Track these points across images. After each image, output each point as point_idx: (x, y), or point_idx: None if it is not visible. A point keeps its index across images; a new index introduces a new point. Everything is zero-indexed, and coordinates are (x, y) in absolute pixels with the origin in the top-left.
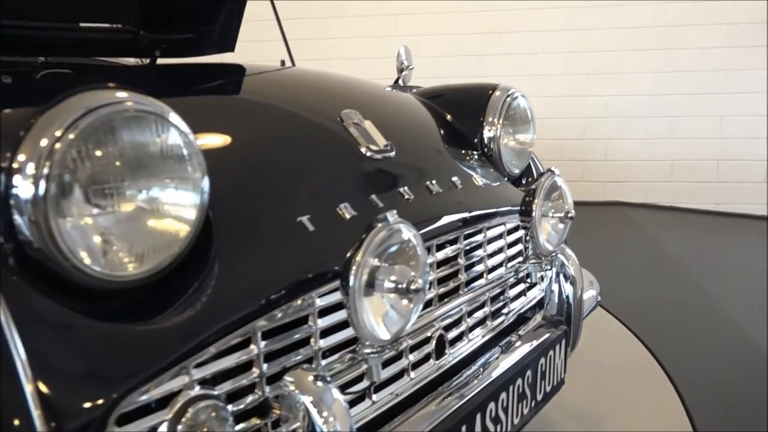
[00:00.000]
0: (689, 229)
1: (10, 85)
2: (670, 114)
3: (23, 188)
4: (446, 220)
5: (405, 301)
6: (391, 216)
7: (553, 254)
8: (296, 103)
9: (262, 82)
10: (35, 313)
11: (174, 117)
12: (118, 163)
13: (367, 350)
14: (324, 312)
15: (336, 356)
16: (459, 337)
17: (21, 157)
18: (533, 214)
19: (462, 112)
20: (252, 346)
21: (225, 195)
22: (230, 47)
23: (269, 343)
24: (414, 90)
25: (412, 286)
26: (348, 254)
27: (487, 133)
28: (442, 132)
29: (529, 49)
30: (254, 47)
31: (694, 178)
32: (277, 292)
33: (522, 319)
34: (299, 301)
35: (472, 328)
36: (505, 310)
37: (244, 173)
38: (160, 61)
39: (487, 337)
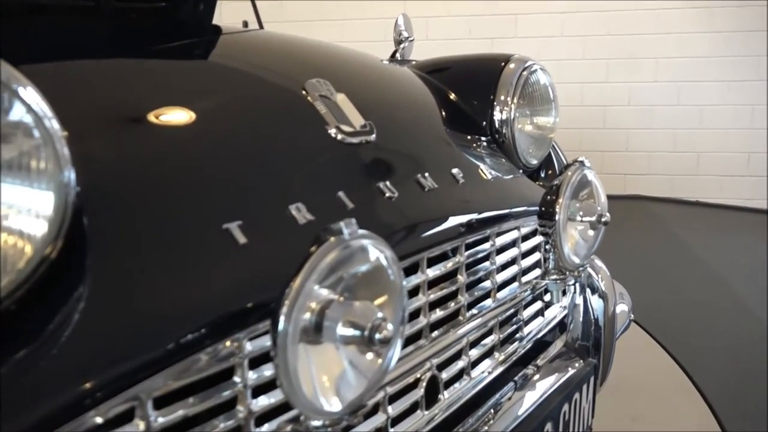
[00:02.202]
0: (716, 225)
1: None
2: (698, 102)
3: None
4: (443, 225)
5: (369, 355)
6: (348, 227)
7: (580, 268)
8: (246, 70)
9: (207, 44)
10: None
11: (27, 90)
12: None
13: (315, 423)
14: (257, 360)
15: (271, 427)
16: (458, 376)
17: None
18: (556, 217)
19: (468, 88)
20: (139, 422)
21: (116, 191)
22: (207, 19)
23: (169, 410)
24: (413, 63)
25: (378, 335)
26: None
27: (499, 115)
28: (442, 113)
29: (547, 32)
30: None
31: (722, 172)
32: (184, 335)
33: (539, 342)
34: (219, 347)
35: (475, 363)
36: (518, 335)
37: (153, 161)
38: None
39: (495, 373)
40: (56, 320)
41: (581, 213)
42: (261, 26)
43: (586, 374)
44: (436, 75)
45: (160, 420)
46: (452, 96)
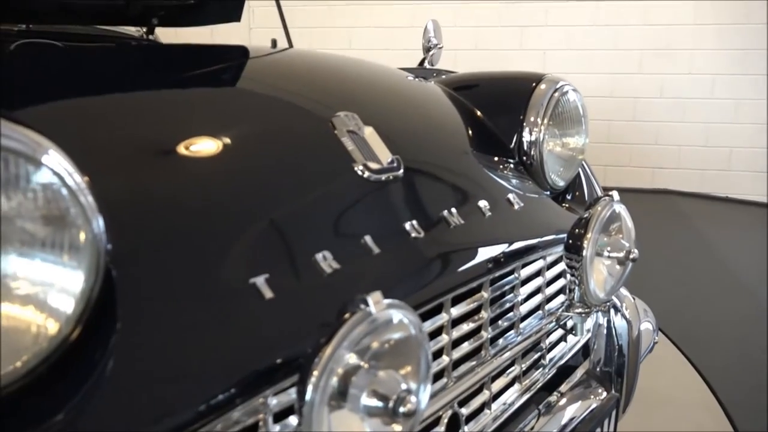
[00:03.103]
0: (746, 224)
1: None
2: (732, 96)
3: None
4: (468, 264)
5: (392, 425)
6: (374, 301)
7: (606, 303)
8: (274, 105)
9: (234, 74)
10: None
11: (53, 158)
12: None
13: None
14: (282, 414)
15: None
16: (479, 409)
17: None
18: (584, 252)
19: (497, 108)
20: None
21: (143, 243)
22: (236, 17)
23: None
24: (442, 76)
25: (403, 408)
26: (308, 354)
27: (528, 137)
28: (470, 134)
29: (578, 20)
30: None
31: (755, 168)
32: (213, 396)
33: (563, 367)
34: (247, 406)
35: (497, 395)
36: (541, 362)
37: (179, 210)
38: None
39: (517, 405)
40: (86, 385)
41: (609, 248)
42: (290, 44)
43: (608, 409)
44: (463, 92)
45: None
46: (479, 114)
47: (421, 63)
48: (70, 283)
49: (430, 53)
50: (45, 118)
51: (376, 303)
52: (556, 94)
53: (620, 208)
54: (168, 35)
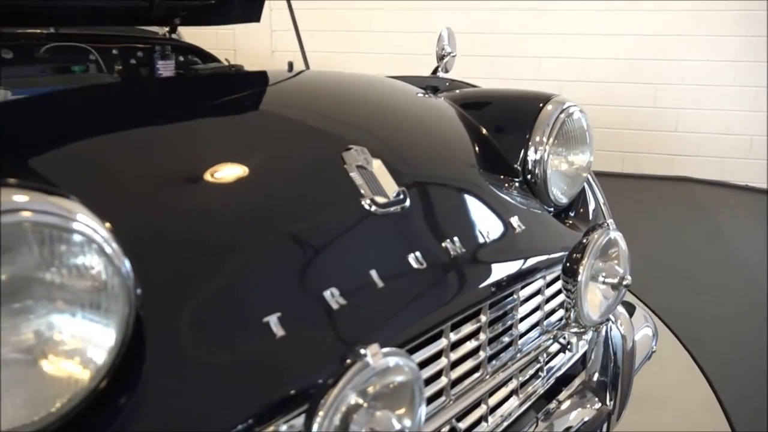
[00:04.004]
0: (764, 214)
1: (10, 60)
2: (754, 83)
3: None
4: (468, 292)
5: None
6: (372, 353)
7: (600, 324)
8: (287, 138)
9: (252, 105)
10: None
11: (98, 233)
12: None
13: None
14: None
15: None
16: (477, 422)
17: None
18: (579, 277)
19: (504, 126)
20: None
21: (164, 285)
22: (255, 17)
23: None
24: (455, 92)
25: None
26: (314, 393)
27: (533, 155)
28: (476, 155)
29: (597, 5)
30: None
31: None
32: (230, 427)
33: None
34: None
35: (494, 408)
36: (539, 374)
37: (196, 250)
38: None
39: (514, 416)
40: (123, 413)
41: (604, 274)
42: (307, 65)
43: (600, 422)
44: (472, 110)
45: None
46: (486, 133)
47: (435, 71)
48: (103, 338)
49: (444, 61)
50: (69, 163)
51: (373, 354)
52: (562, 115)
53: (616, 236)
54: (190, 34)
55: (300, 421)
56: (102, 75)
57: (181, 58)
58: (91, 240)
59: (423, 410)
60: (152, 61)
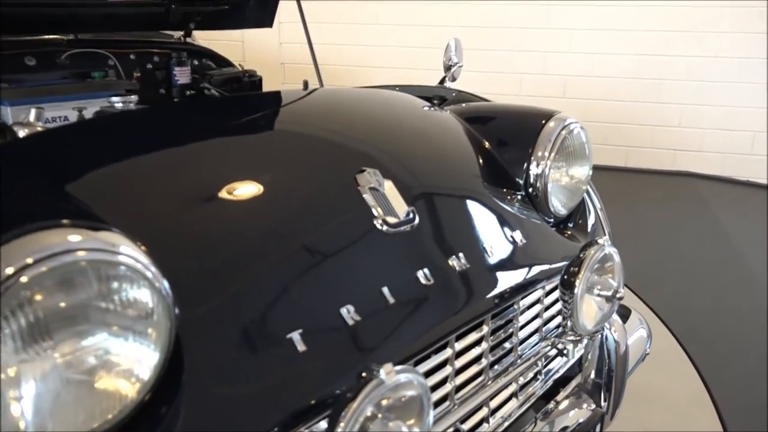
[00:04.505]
0: (763, 208)
1: (33, 67)
2: (758, 80)
3: None
4: (473, 306)
5: None
6: (386, 372)
7: (594, 333)
8: (304, 161)
9: (271, 126)
10: None
11: (149, 271)
12: (61, 317)
13: None
14: None
15: None
16: (479, 424)
17: None
18: (575, 290)
19: (507, 141)
20: None
21: (198, 303)
22: (268, 23)
23: None
24: (462, 104)
25: None
26: (335, 405)
27: (535, 169)
28: (480, 170)
29: (603, 1)
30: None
31: None
32: None
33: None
34: None
35: (495, 410)
36: (539, 377)
37: (225, 271)
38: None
39: (514, 417)
40: (165, 421)
41: (599, 287)
42: (321, 83)
43: (594, 423)
44: (476, 124)
45: None
46: (489, 147)
47: (442, 81)
48: (149, 358)
49: (451, 71)
50: (107, 190)
51: (387, 373)
52: (564, 132)
53: (611, 251)
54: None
55: (320, 427)
56: (121, 81)
57: (196, 62)
58: (136, 270)
59: (431, 419)
60: (169, 68)
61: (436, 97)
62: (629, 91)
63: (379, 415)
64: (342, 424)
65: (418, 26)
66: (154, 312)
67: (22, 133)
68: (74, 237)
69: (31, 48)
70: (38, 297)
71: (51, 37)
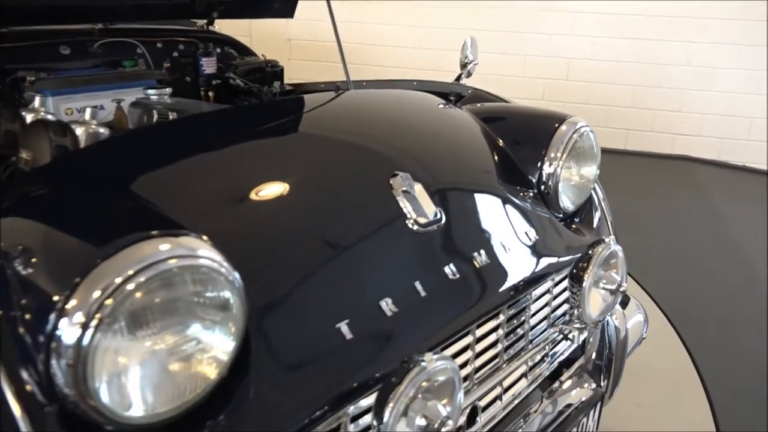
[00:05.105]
0: (759, 195)
1: (68, 56)
2: (758, 67)
3: (68, 333)
4: (492, 298)
5: None
6: (428, 360)
7: (599, 322)
8: (343, 167)
9: (309, 134)
10: None
11: (226, 270)
12: (164, 310)
13: None
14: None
15: None
16: (493, 401)
17: (72, 303)
18: (584, 284)
19: (521, 141)
20: None
21: (260, 299)
22: (289, 12)
23: None
24: (477, 104)
25: (444, 429)
26: (383, 387)
27: (548, 169)
28: (497, 167)
29: None
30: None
31: None
32: (316, 412)
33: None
34: (335, 415)
35: (507, 389)
36: (546, 359)
37: (280, 268)
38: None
39: (524, 395)
40: (235, 402)
41: (604, 281)
42: (349, 82)
43: (595, 401)
44: (491, 124)
45: None
46: (504, 146)
47: (458, 78)
48: (227, 345)
49: (467, 69)
50: (173, 194)
51: (429, 361)
52: (575, 135)
53: (617, 249)
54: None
55: (361, 406)
56: (152, 71)
57: (219, 50)
58: (214, 269)
59: (461, 399)
60: (196, 58)
61: (453, 93)
62: (632, 75)
63: (419, 396)
64: (390, 405)
65: (426, 4)
66: (232, 305)
67: (79, 131)
68: (164, 246)
69: (64, 38)
70: (142, 298)
71: (82, 26)
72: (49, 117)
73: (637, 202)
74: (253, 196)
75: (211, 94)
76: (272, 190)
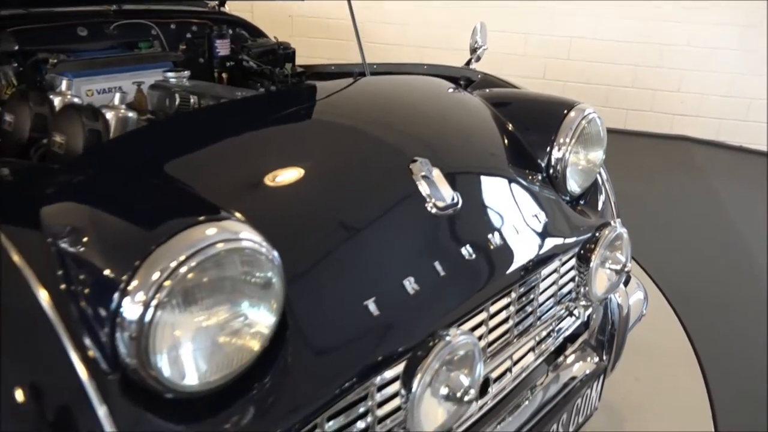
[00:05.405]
0: (756, 175)
1: (85, 37)
2: (758, 48)
3: (130, 310)
4: (506, 277)
5: (456, 406)
6: (452, 335)
7: (604, 299)
8: (364, 153)
9: (329, 123)
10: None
11: (266, 250)
12: (214, 289)
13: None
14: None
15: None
16: (503, 374)
17: (134, 284)
18: (591, 264)
19: (531, 126)
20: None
21: (293, 278)
22: None
23: (333, 424)
24: (486, 90)
25: (466, 397)
26: (410, 360)
27: (556, 154)
28: (508, 151)
29: None
30: None
31: None
32: (347, 382)
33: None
34: (363, 386)
35: (516, 362)
36: (552, 334)
37: (311, 248)
38: None
39: (532, 368)
40: (276, 373)
41: (610, 261)
42: (365, 69)
43: (598, 374)
44: (502, 108)
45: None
46: (514, 130)
47: (468, 63)
48: (268, 319)
49: (476, 54)
50: (211, 178)
51: (453, 336)
52: (584, 122)
53: (622, 231)
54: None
55: (388, 375)
56: (168, 53)
57: (230, 31)
58: (256, 250)
59: (481, 370)
60: (210, 40)
61: (463, 78)
62: (633, 55)
63: (443, 368)
64: (419, 375)
65: None
66: (274, 283)
67: (109, 115)
68: (210, 231)
69: (80, 19)
70: (194, 279)
71: (98, 8)
72: (76, 100)
73: (636, 181)
74: (283, 180)
75: (224, 75)
76: (301, 174)
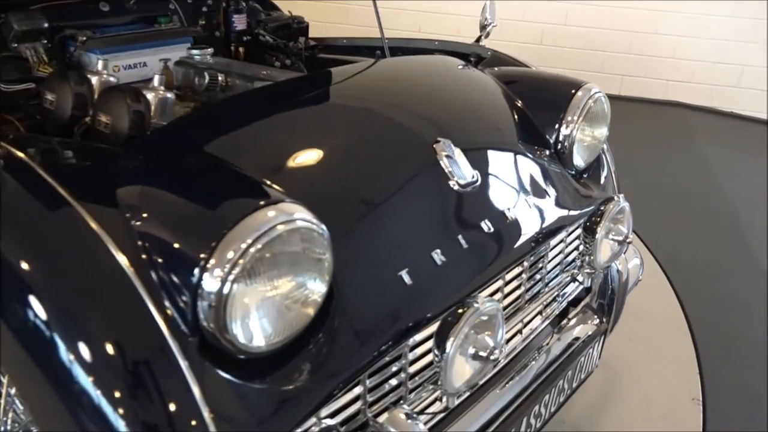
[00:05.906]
0: (747, 140)
1: (107, 12)
2: (753, 15)
3: (210, 283)
4: (520, 249)
5: (482, 364)
6: (480, 302)
7: (607, 267)
8: (391, 134)
9: (354, 105)
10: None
11: (315, 225)
12: (277, 264)
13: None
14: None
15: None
16: (513, 336)
17: (212, 262)
18: (597, 236)
19: (540, 104)
20: (358, 388)
21: (337, 252)
22: None
23: (371, 381)
24: (495, 69)
25: (492, 357)
26: (442, 324)
27: (564, 131)
28: (519, 128)
29: None
30: None
31: (763, 86)
32: (384, 344)
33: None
34: (398, 348)
35: (526, 324)
36: (557, 299)
37: (350, 224)
38: None
39: (538, 330)
40: (327, 337)
41: (613, 233)
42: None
43: (599, 335)
44: (511, 86)
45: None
46: (523, 107)
47: (478, 39)
48: (321, 289)
49: (486, 30)
50: (262, 161)
51: (481, 303)
52: (590, 101)
53: (625, 205)
54: None
55: (416, 340)
56: (188, 29)
57: (244, 4)
58: (310, 229)
59: (503, 332)
60: (228, 15)
61: (473, 54)
62: (628, 21)
63: (471, 331)
64: (451, 339)
65: None
66: (326, 257)
67: (150, 96)
68: (271, 213)
69: None
70: (263, 256)
71: None
72: (112, 80)
73: (630, 147)
74: (322, 160)
75: (241, 50)
76: (338, 156)
